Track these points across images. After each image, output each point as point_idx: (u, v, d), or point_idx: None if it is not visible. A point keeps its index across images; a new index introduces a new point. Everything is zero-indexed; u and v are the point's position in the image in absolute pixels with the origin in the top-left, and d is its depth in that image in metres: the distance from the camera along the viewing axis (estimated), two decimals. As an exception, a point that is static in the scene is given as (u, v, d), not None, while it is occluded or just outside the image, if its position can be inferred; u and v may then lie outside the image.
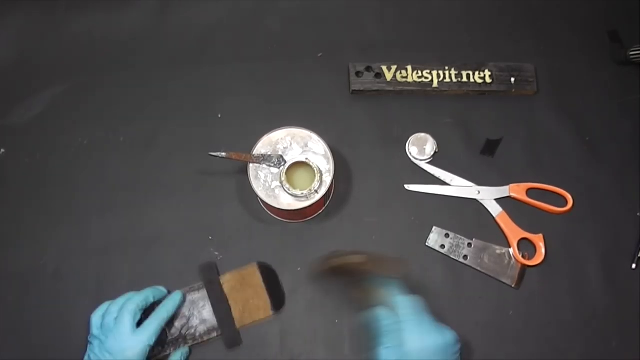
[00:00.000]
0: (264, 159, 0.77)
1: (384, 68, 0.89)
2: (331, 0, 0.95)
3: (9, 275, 0.81)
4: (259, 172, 0.77)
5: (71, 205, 0.84)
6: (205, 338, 0.78)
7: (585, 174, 0.86)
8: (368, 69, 0.89)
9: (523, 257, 0.81)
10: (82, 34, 0.93)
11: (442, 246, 0.83)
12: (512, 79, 0.89)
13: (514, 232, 0.82)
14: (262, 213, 0.84)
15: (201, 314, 0.78)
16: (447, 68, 0.89)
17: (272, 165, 0.77)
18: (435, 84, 0.89)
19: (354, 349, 0.78)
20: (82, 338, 0.74)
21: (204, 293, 0.79)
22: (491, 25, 0.94)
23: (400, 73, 0.89)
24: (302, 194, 0.75)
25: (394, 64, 0.89)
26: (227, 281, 0.80)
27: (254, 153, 0.77)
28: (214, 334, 0.78)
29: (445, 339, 0.67)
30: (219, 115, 0.89)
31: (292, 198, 0.76)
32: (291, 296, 0.81)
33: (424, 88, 0.89)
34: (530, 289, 0.81)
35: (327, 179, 0.77)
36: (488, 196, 0.84)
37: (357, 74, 0.89)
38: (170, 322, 0.76)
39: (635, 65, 0.90)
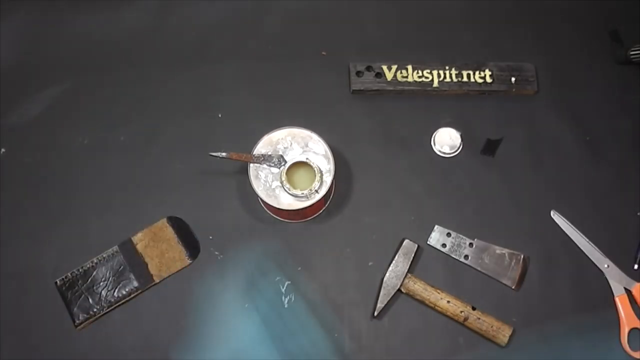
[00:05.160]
0: (264, 158, 0.77)
1: (385, 68, 0.89)
2: (331, 0, 0.95)
3: (9, 275, 0.81)
4: (259, 172, 0.77)
5: (71, 205, 0.84)
6: (129, 297, 0.80)
7: (585, 173, 0.86)
8: (368, 68, 0.89)
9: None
10: (82, 34, 0.93)
11: (444, 245, 0.82)
12: (513, 79, 0.89)
13: (629, 318, 0.79)
14: (262, 213, 0.84)
15: (121, 275, 0.81)
16: (447, 68, 0.89)
17: (273, 165, 0.77)
18: (435, 84, 0.88)
19: None
20: (81, 338, 0.74)
21: (120, 257, 0.81)
22: (491, 25, 0.94)
23: (401, 73, 0.89)
24: (303, 193, 0.75)
25: (395, 64, 0.89)
26: (140, 240, 0.82)
27: (254, 153, 0.77)
28: (135, 293, 0.80)
29: None
30: (219, 115, 0.89)
31: (293, 198, 0.76)
32: (291, 296, 0.81)
33: (424, 88, 0.88)
34: (530, 289, 0.81)
35: (328, 179, 0.77)
36: (615, 274, 0.81)
37: (358, 73, 0.89)
38: (91, 291, 0.80)
39: (635, 65, 0.90)
